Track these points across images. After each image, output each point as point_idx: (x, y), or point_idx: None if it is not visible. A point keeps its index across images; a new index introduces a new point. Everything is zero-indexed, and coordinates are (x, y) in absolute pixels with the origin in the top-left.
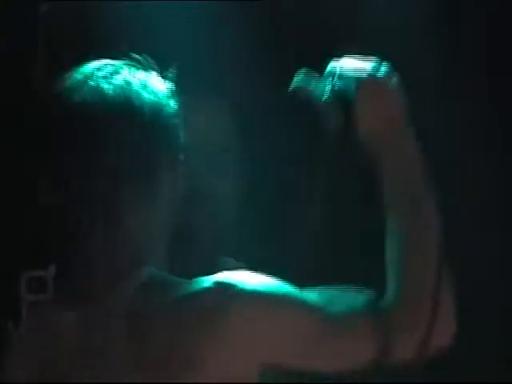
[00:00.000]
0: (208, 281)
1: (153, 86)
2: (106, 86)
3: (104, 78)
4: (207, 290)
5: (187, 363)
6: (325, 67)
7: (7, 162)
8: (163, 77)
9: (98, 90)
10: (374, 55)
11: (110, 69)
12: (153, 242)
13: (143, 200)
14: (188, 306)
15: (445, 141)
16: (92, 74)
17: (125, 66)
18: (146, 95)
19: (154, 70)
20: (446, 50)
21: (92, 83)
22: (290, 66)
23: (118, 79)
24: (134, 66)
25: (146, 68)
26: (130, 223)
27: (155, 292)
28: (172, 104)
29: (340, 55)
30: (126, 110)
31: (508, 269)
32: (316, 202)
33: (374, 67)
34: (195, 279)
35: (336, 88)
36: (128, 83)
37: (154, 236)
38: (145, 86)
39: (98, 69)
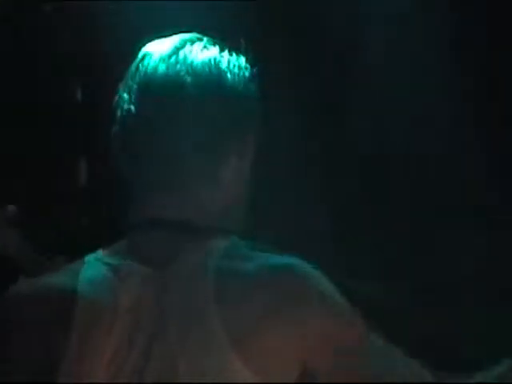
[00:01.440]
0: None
1: (239, 67)
2: (195, 60)
3: (192, 51)
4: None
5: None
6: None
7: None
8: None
9: (187, 64)
10: None
11: (198, 43)
12: (226, 215)
13: (211, 176)
14: (268, 276)
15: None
16: (181, 46)
17: (211, 43)
18: (231, 75)
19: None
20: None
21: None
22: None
23: (206, 55)
24: (220, 44)
25: (230, 49)
26: (201, 193)
27: (238, 258)
28: (252, 88)
29: None
30: (212, 86)
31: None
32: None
33: None
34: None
35: None
36: (217, 60)
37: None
38: (234, 66)
39: (186, 41)
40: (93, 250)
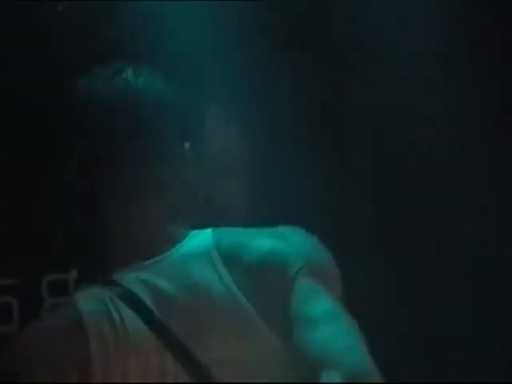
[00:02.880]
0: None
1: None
2: (130, 80)
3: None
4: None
5: None
6: None
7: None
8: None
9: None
10: None
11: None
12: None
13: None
14: None
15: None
16: (117, 72)
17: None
18: (157, 89)
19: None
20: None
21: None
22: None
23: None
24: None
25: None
26: (152, 202)
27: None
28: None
29: None
30: (149, 99)
31: None
32: None
33: None
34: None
35: None
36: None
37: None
38: (154, 81)
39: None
40: None
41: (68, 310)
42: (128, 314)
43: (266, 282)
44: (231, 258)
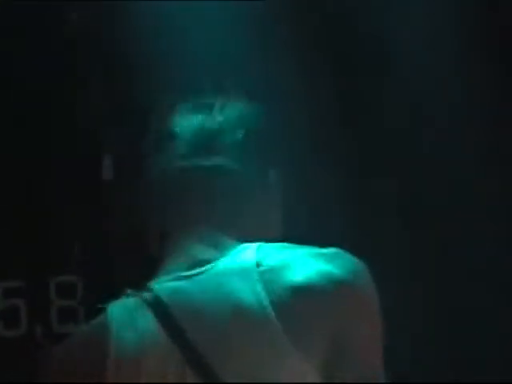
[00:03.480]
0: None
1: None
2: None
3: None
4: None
5: None
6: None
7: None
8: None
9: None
10: None
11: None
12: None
13: None
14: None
15: None
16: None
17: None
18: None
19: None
20: None
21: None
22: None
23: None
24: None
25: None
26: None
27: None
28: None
29: None
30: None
31: None
32: None
33: None
34: None
35: None
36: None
37: None
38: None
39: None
40: None
41: (97, 322)
42: (153, 325)
43: (309, 304)
44: (272, 277)
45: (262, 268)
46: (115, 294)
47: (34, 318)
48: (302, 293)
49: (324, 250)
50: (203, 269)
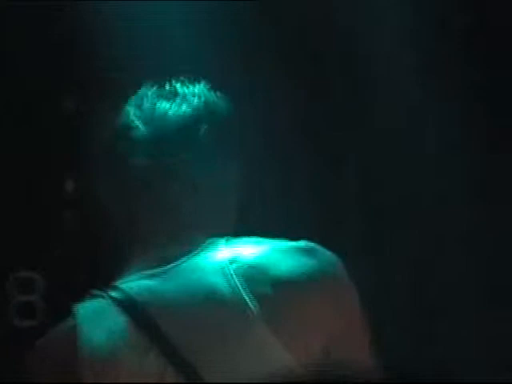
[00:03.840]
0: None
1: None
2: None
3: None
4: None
5: None
6: None
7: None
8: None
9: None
10: None
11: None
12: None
13: None
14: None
15: None
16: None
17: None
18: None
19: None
20: None
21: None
22: None
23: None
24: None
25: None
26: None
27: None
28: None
29: None
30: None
31: None
32: None
33: None
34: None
35: None
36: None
37: None
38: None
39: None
40: None
41: (67, 325)
42: (124, 324)
43: (293, 297)
44: (250, 271)
45: (237, 263)
46: (77, 291)
47: None
48: (285, 286)
49: (297, 244)
50: (171, 265)
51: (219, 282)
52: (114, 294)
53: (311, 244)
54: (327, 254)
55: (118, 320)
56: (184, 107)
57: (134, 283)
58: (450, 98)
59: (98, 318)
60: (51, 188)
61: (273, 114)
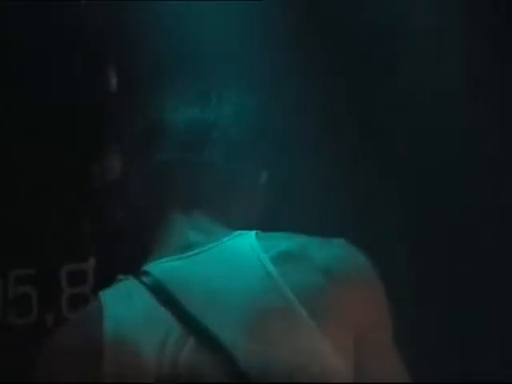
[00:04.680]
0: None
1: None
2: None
3: None
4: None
5: None
6: None
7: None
8: None
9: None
10: None
11: None
12: None
13: None
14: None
15: None
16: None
17: None
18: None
19: None
20: None
21: None
22: None
23: None
24: None
25: None
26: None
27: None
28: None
29: None
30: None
31: None
32: None
33: None
34: None
35: None
36: None
37: None
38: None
39: None
40: None
41: (91, 305)
42: (150, 301)
43: (335, 292)
44: (286, 263)
45: (271, 252)
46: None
47: (46, 307)
48: (319, 275)
49: (331, 241)
50: (198, 250)
51: (253, 268)
52: (139, 276)
53: (345, 242)
54: (361, 254)
55: (142, 298)
56: (214, 108)
57: (160, 265)
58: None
59: (122, 298)
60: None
61: (309, 111)
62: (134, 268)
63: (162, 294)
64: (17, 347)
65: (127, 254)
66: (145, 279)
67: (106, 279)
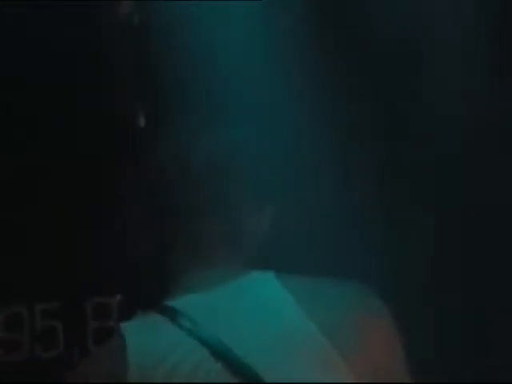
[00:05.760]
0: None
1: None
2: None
3: None
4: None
5: None
6: None
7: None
8: None
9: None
10: None
11: None
12: None
13: None
14: None
15: None
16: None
17: None
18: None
19: None
20: None
21: None
22: None
23: None
24: None
25: None
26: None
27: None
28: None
29: None
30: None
31: None
32: None
33: None
34: None
35: None
36: None
37: None
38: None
39: None
40: None
41: (114, 342)
42: (175, 331)
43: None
44: (303, 293)
45: (289, 286)
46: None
47: (71, 340)
48: (348, 319)
49: (345, 282)
50: (218, 287)
51: (276, 304)
52: (161, 310)
53: (360, 287)
54: (377, 300)
55: (167, 329)
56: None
57: (182, 300)
58: None
59: (146, 330)
60: None
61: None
62: (157, 303)
63: (186, 322)
64: (44, 380)
65: (151, 289)
66: (168, 312)
67: (130, 313)
